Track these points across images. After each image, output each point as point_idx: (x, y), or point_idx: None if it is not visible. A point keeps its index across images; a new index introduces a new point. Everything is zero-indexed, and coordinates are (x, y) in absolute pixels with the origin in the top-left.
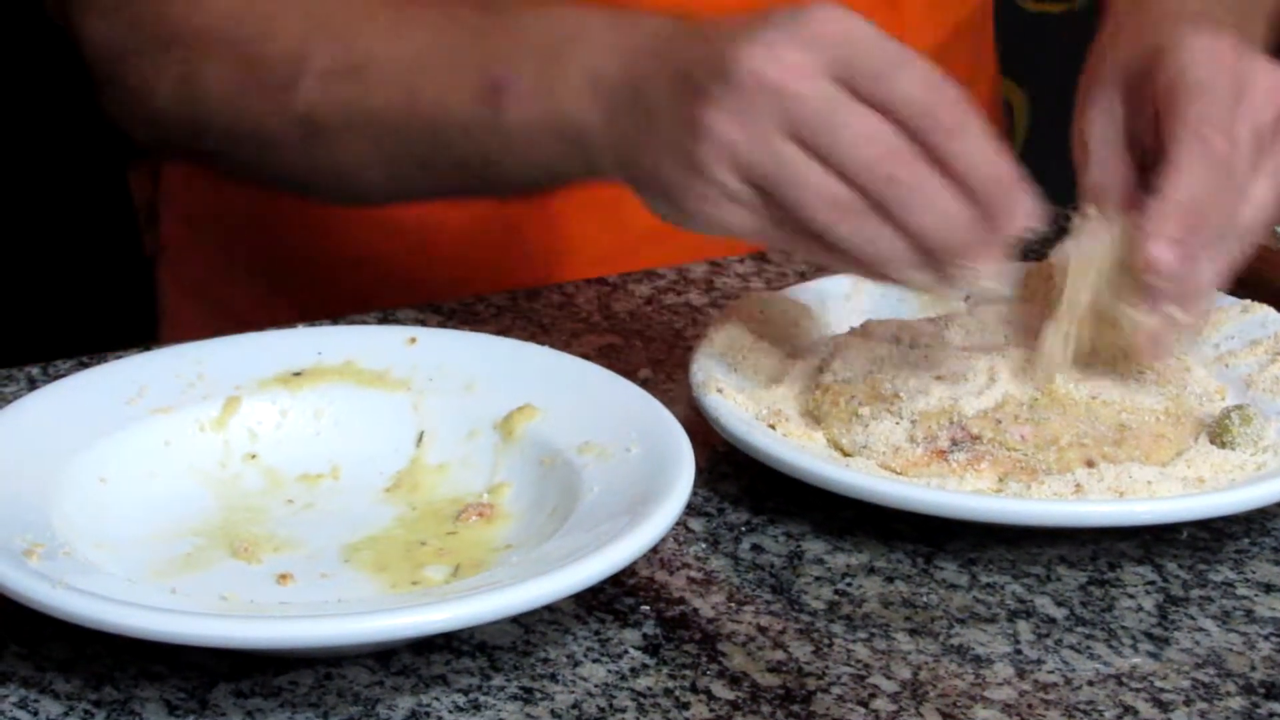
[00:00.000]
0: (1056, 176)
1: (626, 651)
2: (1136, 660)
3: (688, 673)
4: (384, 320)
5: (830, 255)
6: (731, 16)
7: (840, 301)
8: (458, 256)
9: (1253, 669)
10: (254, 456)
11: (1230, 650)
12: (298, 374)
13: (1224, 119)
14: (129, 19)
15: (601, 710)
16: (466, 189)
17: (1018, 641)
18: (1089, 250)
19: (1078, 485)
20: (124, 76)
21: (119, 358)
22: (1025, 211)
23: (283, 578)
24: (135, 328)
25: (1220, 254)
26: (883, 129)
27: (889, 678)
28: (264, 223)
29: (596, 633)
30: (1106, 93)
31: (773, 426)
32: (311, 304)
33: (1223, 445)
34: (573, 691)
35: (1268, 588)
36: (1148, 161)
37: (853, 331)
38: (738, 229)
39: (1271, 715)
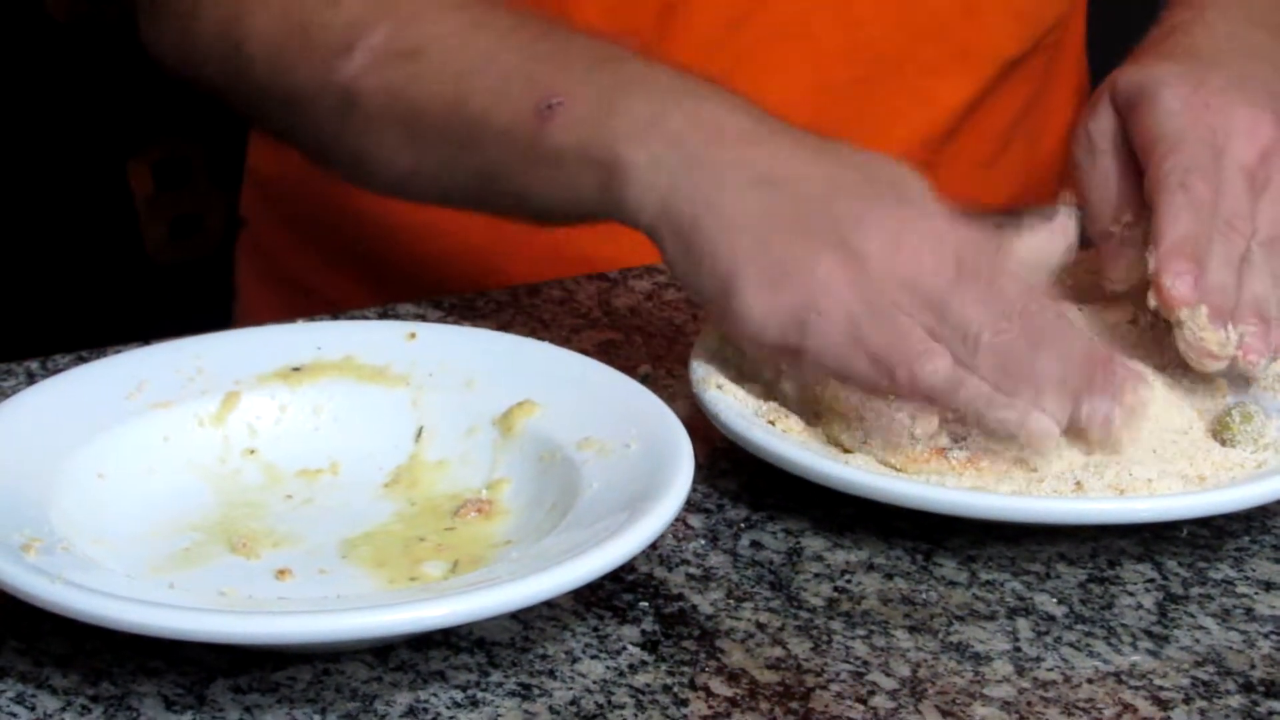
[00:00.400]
0: None
1: (625, 648)
2: (1136, 658)
3: (686, 669)
4: (383, 315)
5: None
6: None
7: None
8: (460, 249)
9: (1252, 667)
10: (253, 452)
11: (1230, 648)
12: (297, 369)
13: (1204, 168)
14: None
15: (600, 707)
16: (486, 202)
17: (1017, 639)
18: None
19: (1078, 483)
20: (164, 9)
21: (118, 352)
22: (1126, 381)
23: (281, 573)
24: (134, 322)
25: (1261, 274)
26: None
27: (888, 675)
28: (338, 196)
29: (595, 629)
30: (1107, 110)
31: (772, 423)
32: (388, 283)
33: (1223, 443)
34: (571, 688)
35: (1268, 586)
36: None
37: None
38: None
39: (1271, 714)
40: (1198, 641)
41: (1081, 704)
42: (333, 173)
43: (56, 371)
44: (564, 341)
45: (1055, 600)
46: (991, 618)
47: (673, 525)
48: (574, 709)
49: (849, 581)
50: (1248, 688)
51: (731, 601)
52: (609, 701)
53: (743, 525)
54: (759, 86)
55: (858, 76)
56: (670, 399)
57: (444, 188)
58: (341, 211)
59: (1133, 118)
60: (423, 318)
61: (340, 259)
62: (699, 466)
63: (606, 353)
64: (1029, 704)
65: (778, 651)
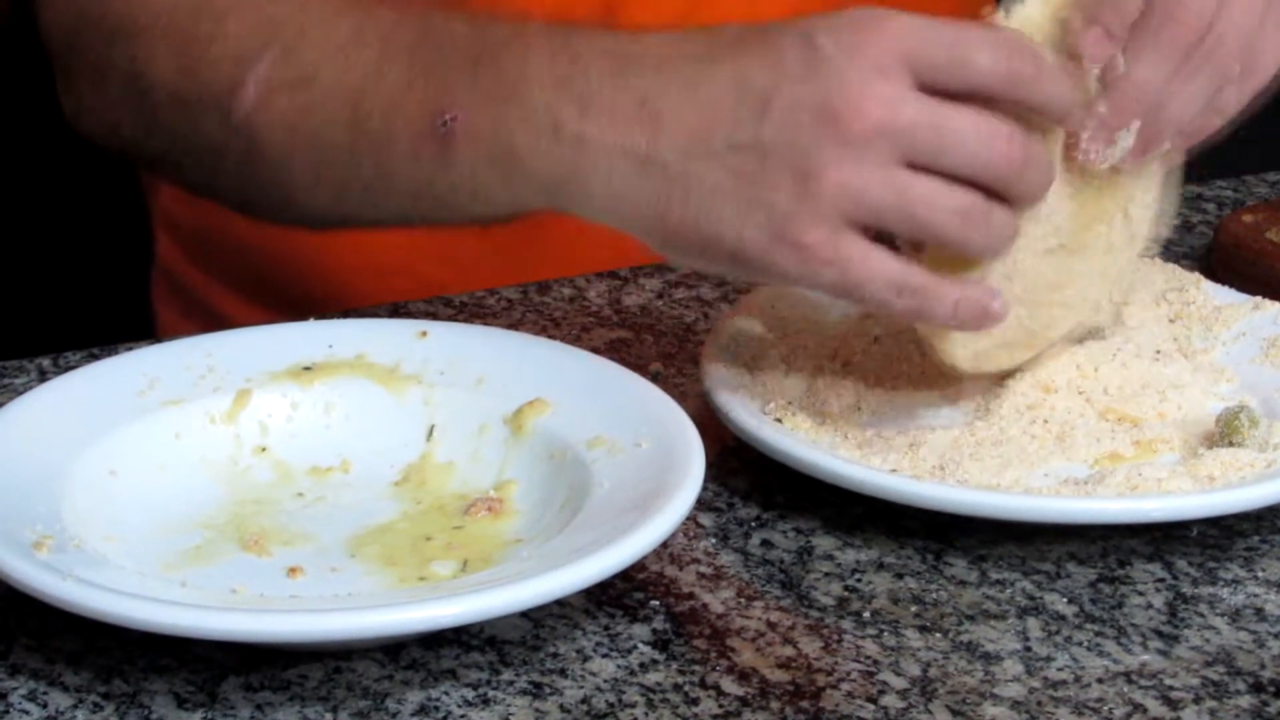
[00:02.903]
0: None
1: (636, 647)
2: (1146, 658)
3: (697, 668)
4: (395, 314)
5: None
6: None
7: None
8: (466, 247)
9: (1262, 667)
10: (264, 449)
11: (1240, 648)
12: (308, 368)
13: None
14: (77, 9)
15: (610, 705)
16: (416, 218)
17: (1027, 638)
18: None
19: (1088, 482)
20: (77, 70)
21: (130, 350)
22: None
23: (292, 571)
24: (146, 320)
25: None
26: (984, 121)
27: (898, 674)
28: (255, 241)
29: (606, 628)
30: None
31: (781, 421)
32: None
33: (1230, 445)
34: (582, 686)
35: (1278, 586)
36: None
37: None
38: (852, 282)
39: None
40: (1208, 641)
41: (1091, 704)
42: (257, 219)
43: (68, 369)
44: (574, 340)
45: (1065, 600)
46: (1002, 617)
47: (683, 524)
48: (585, 707)
49: (859, 581)
50: (1258, 688)
51: (742, 600)
52: (620, 700)
53: (753, 524)
54: None
55: None
56: (681, 397)
57: (373, 215)
58: (261, 256)
59: None
60: (434, 316)
61: (262, 300)
62: (709, 465)
63: (617, 351)
64: (1039, 704)
65: (788, 650)
